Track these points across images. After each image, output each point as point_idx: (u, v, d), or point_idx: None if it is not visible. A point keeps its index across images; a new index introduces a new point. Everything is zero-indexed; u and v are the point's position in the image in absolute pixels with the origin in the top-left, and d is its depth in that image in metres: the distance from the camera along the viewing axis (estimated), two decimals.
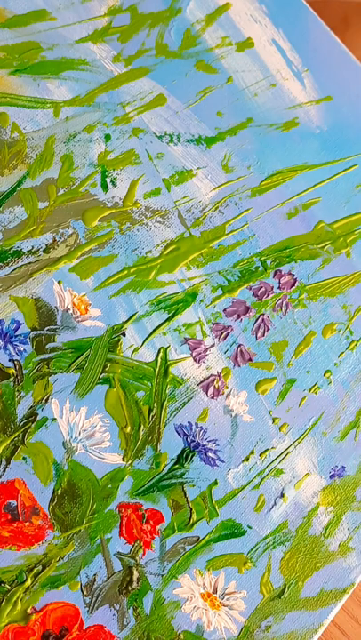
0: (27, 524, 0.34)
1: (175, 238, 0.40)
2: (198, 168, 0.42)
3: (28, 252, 0.38)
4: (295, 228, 0.42)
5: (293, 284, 0.41)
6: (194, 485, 0.37)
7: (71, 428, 0.36)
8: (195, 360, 0.38)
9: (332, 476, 0.39)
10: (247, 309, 0.40)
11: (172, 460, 0.37)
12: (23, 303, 0.37)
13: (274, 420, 0.39)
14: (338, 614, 0.41)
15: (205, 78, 0.43)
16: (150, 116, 0.42)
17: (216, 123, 0.43)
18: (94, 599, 0.34)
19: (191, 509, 0.36)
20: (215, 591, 0.36)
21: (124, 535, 0.35)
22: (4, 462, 0.35)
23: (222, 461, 0.37)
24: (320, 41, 0.46)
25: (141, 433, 0.37)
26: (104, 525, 0.35)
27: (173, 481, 0.36)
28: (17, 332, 0.36)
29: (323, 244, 0.42)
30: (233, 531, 0.37)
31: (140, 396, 0.37)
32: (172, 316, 0.39)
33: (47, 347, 0.37)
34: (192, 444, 0.37)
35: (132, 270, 0.39)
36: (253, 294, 0.40)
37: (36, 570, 0.34)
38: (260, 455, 0.38)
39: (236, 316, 0.40)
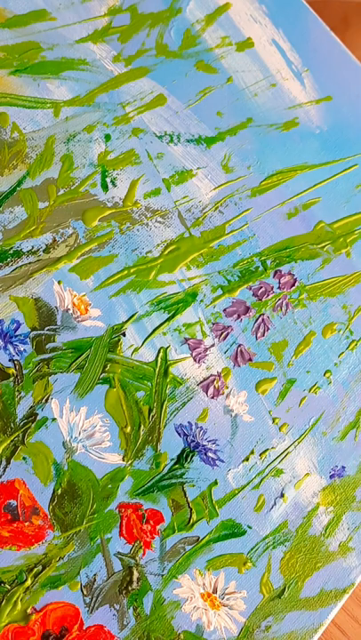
0: (27, 523, 0.34)
1: (175, 238, 0.40)
2: (198, 168, 0.42)
3: (28, 252, 0.38)
4: (295, 228, 0.42)
5: (293, 284, 0.41)
6: (194, 485, 0.37)
7: (71, 428, 0.36)
8: (195, 360, 0.38)
9: (332, 476, 0.39)
10: (247, 309, 0.40)
11: (172, 460, 0.37)
12: (23, 303, 0.37)
13: (274, 420, 0.39)
14: (338, 614, 0.41)
15: (205, 78, 0.43)
16: (150, 116, 0.42)
17: (216, 123, 0.43)
18: (94, 599, 0.34)
19: (191, 509, 0.36)
20: (215, 591, 0.36)
21: (124, 535, 0.35)
22: (4, 462, 0.35)
23: (222, 461, 0.37)
24: (320, 41, 0.46)
25: (141, 433, 0.37)
26: (104, 525, 0.35)
27: (173, 481, 0.36)
28: (17, 332, 0.36)
29: (323, 244, 0.42)
30: (233, 531, 0.37)
31: (140, 395, 0.37)
32: (172, 316, 0.39)
33: (47, 347, 0.37)
34: (192, 444, 0.37)
35: (132, 270, 0.39)
36: (253, 294, 0.40)
37: (36, 570, 0.34)
38: (260, 455, 0.38)
39: (236, 315, 0.40)
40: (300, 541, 0.37)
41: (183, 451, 0.37)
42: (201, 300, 0.40)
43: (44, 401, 0.36)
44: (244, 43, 0.45)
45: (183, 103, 0.43)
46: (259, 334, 0.40)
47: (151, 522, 0.36)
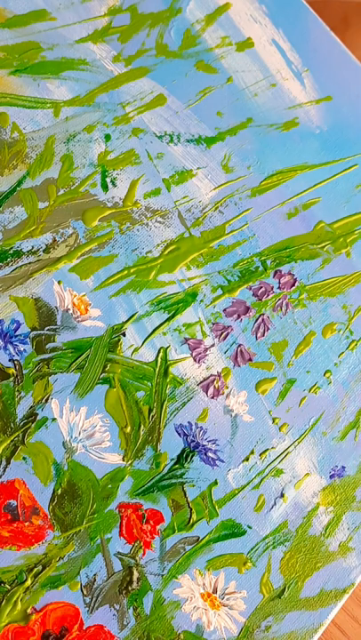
0: (27, 523, 0.34)
1: (175, 238, 0.40)
2: (198, 168, 0.42)
3: (28, 252, 0.38)
4: (295, 228, 0.42)
5: (293, 284, 0.41)
6: (194, 485, 0.37)
7: (71, 428, 0.36)
8: (195, 360, 0.38)
9: (332, 476, 0.39)
10: (247, 309, 0.40)
11: (172, 460, 0.37)
12: (23, 303, 0.37)
13: (274, 420, 0.39)
14: (338, 614, 0.41)
15: (205, 78, 0.43)
16: (150, 116, 0.42)
17: (216, 123, 0.43)
18: (94, 599, 0.34)
19: (191, 509, 0.36)
20: (215, 591, 0.36)
21: (124, 535, 0.35)
22: (4, 462, 0.35)
23: (222, 461, 0.37)
24: (320, 41, 0.46)
25: (141, 433, 0.37)
26: (104, 525, 0.35)
27: (173, 481, 0.36)
28: (17, 332, 0.36)
29: (323, 244, 0.42)
30: (233, 531, 0.37)
31: (140, 395, 0.37)
32: (172, 316, 0.39)
33: (47, 347, 0.37)
34: (192, 444, 0.37)
35: (132, 270, 0.39)
36: (253, 294, 0.40)
37: (36, 570, 0.34)
38: (260, 455, 0.38)
39: (236, 316, 0.40)
40: (300, 541, 0.37)
41: (183, 451, 0.37)
42: (201, 300, 0.40)
43: (44, 401, 0.36)
44: (244, 43, 0.45)
45: (183, 103, 0.43)
46: (259, 334, 0.40)
47: (151, 522, 0.36)
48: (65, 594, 0.34)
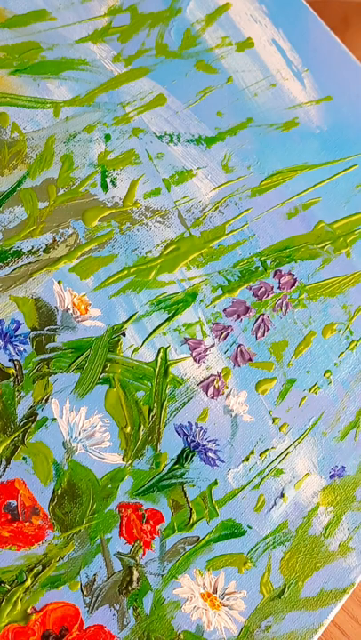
0: (27, 523, 0.34)
1: (175, 238, 0.40)
2: (198, 168, 0.42)
3: (28, 252, 0.38)
4: (295, 228, 0.42)
5: (293, 284, 0.41)
6: (194, 485, 0.37)
7: (71, 428, 0.36)
8: (195, 360, 0.38)
9: (332, 476, 0.39)
10: (247, 309, 0.40)
11: (172, 460, 0.37)
12: (23, 303, 0.37)
13: (274, 420, 0.39)
14: (338, 614, 0.41)
15: (205, 78, 0.43)
16: (150, 116, 0.42)
17: (216, 123, 0.43)
18: (94, 599, 0.34)
19: (191, 509, 0.36)
20: (215, 591, 0.36)
21: (124, 535, 0.35)
22: (4, 462, 0.35)
23: (222, 461, 0.37)
24: (320, 41, 0.46)
25: (141, 433, 0.37)
26: (104, 525, 0.35)
27: (173, 481, 0.36)
28: (17, 332, 0.36)
29: (323, 244, 0.42)
30: (233, 531, 0.37)
31: (140, 395, 0.37)
32: (172, 316, 0.39)
33: (47, 347, 0.37)
34: (192, 444, 0.37)
35: (132, 270, 0.39)
36: (253, 294, 0.40)
37: (36, 570, 0.34)
38: (260, 455, 0.38)
39: (236, 315, 0.40)
40: (300, 541, 0.37)
41: (183, 451, 0.37)
42: (201, 300, 0.40)
43: (44, 401, 0.36)
44: (244, 43, 0.45)
45: (183, 103, 0.43)
46: (259, 334, 0.40)
47: (151, 522, 0.36)
48: (65, 594, 0.34)
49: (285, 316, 0.41)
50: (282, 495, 0.38)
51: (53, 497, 0.35)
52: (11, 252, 0.38)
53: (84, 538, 0.35)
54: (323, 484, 0.38)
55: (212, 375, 0.38)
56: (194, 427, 0.37)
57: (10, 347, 0.36)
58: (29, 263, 0.38)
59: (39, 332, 0.37)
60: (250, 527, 0.37)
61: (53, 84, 0.41)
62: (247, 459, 0.38)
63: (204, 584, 0.36)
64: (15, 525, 0.34)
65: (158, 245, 0.40)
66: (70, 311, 0.37)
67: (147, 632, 0.34)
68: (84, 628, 0.34)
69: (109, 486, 0.36)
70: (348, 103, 0.45)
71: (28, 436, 0.35)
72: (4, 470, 0.35)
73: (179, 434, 0.37)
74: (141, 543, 0.35)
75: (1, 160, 0.39)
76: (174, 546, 0.36)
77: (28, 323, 0.37)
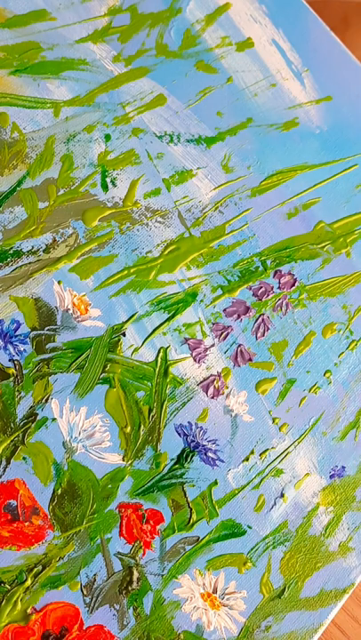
0: (27, 523, 0.34)
1: (175, 238, 0.40)
2: (198, 168, 0.42)
3: (28, 252, 0.38)
4: (295, 228, 0.42)
5: (293, 284, 0.41)
6: (194, 485, 0.37)
7: (71, 428, 0.36)
8: (195, 360, 0.38)
9: (332, 476, 0.39)
10: (247, 309, 0.40)
11: (172, 460, 0.37)
12: (23, 303, 0.37)
13: (274, 420, 0.39)
14: (338, 614, 0.41)
15: (205, 78, 0.43)
16: (150, 116, 0.42)
17: (216, 123, 0.43)
18: (94, 599, 0.34)
19: (191, 509, 0.36)
20: (215, 591, 0.36)
21: (124, 535, 0.35)
22: (4, 462, 0.35)
23: (222, 461, 0.37)
24: (320, 41, 0.46)
25: (141, 433, 0.37)
26: (104, 525, 0.35)
27: (173, 481, 0.36)
28: (17, 332, 0.36)
29: (323, 244, 0.42)
30: (233, 531, 0.37)
31: (140, 395, 0.37)
32: (172, 316, 0.39)
33: (47, 347, 0.37)
34: (192, 444, 0.37)
35: (132, 270, 0.39)
36: (253, 294, 0.40)
37: (36, 570, 0.34)
38: (260, 455, 0.38)
39: (236, 315, 0.40)
40: (300, 541, 0.37)
41: (183, 451, 0.37)
42: (201, 300, 0.40)
43: (44, 401, 0.36)
44: (244, 43, 0.45)
45: (183, 103, 0.43)
46: (259, 334, 0.40)
47: (151, 522, 0.36)
48: (65, 594, 0.34)
49: (285, 315, 0.41)
50: (282, 495, 0.38)
51: (53, 497, 0.35)
52: (11, 252, 0.38)
53: (84, 538, 0.35)
54: (323, 483, 0.38)
55: (212, 375, 0.38)
56: (194, 427, 0.37)
57: (10, 347, 0.36)
58: (29, 263, 0.38)
59: (39, 332, 0.37)
60: (250, 527, 0.37)
61: (53, 83, 0.41)
62: (247, 459, 0.38)
63: (204, 584, 0.36)
64: (15, 525, 0.34)
65: (158, 245, 0.40)
66: (70, 311, 0.37)
67: (147, 632, 0.34)
68: (84, 628, 0.34)
69: (109, 486, 0.36)
70: (348, 103, 0.45)
71: (28, 436, 0.35)
72: (4, 470, 0.35)
73: (179, 434, 0.37)
74: (141, 543, 0.35)
75: (1, 160, 0.39)
76: (174, 546, 0.36)
77: (28, 323, 0.37)
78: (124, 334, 0.38)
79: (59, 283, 0.38)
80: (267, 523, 0.37)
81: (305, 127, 0.44)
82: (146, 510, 0.36)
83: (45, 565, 0.34)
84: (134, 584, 0.35)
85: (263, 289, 0.41)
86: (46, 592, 0.34)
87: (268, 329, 0.40)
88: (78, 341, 0.37)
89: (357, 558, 0.38)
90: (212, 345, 0.39)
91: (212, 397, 0.38)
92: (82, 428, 0.36)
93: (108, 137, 0.41)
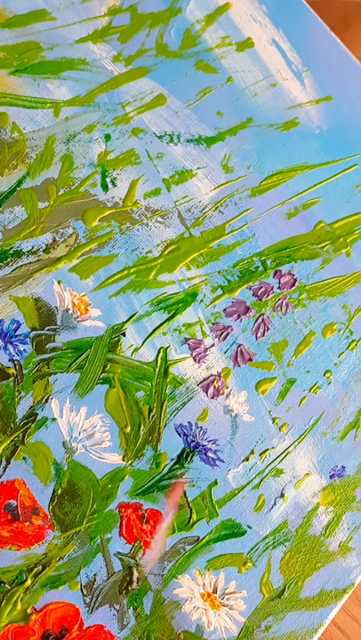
0: (27, 523, 0.34)
1: (175, 238, 0.40)
2: (198, 168, 0.42)
3: (28, 252, 0.38)
4: (295, 228, 0.42)
5: (293, 284, 0.41)
6: (194, 485, 0.37)
7: (71, 428, 0.36)
8: (195, 360, 0.38)
9: (332, 476, 0.39)
10: (247, 309, 0.40)
11: (172, 460, 0.37)
12: (23, 303, 0.37)
13: (274, 420, 0.39)
14: (338, 614, 0.41)
15: (205, 78, 0.43)
16: (150, 116, 0.42)
17: (216, 123, 0.43)
18: (94, 599, 0.34)
19: (191, 509, 0.36)
20: (215, 591, 0.36)
21: (124, 535, 0.35)
22: (4, 462, 0.35)
23: (222, 461, 0.37)
24: (320, 41, 0.46)
25: (141, 433, 0.37)
26: (104, 525, 0.35)
27: (173, 481, 0.36)
28: (17, 332, 0.36)
29: (323, 244, 0.42)
30: (233, 531, 0.37)
31: (140, 395, 0.37)
32: (172, 316, 0.39)
33: (47, 347, 0.37)
34: (192, 444, 0.37)
35: (132, 270, 0.39)
36: (253, 294, 0.40)
37: (36, 570, 0.34)
38: (260, 455, 0.38)
39: (236, 315, 0.40)
40: (300, 541, 0.37)
41: (183, 451, 0.37)
42: (201, 300, 0.40)
43: (44, 401, 0.36)
44: (244, 43, 0.45)
45: (183, 103, 0.43)
46: (259, 334, 0.40)
47: (151, 522, 0.36)
48: (65, 594, 0.34)
49: (285, 315, 0.41)
50: (282, 495, 0.38)
51: (53, 497, 0.35)
52: (11, 252, 0.38)
53: (84, 538, 0.35)
54: (323, 484, 0.38)
55: (212, 375, 0.38)
56: (194, 427, 0.37)
57: (10, 347, 0.36)
58: (29, 263, 0.38)
59: (39, 332, 0.37)
60: (250, 527, 0.37)
61: (53, 84, 0.41)
62: (247, 459, 0.38)
63: (204, 584, 0.36)
64: (15, 525, 0.34)
65: (158, 245, 0.40)
66: (70, 311, 0.37)
67: (147, 632, 0.34)
68: (84, 628, 0.34)
69: (109, 486, 0.36)
70: (348, 103, 0.45)
71: (28, 436, 0.35)
72: (4, 470, 0.35)
73: (179, 434, 0.37)
74: (141, 543, 0.35)
75: (1, 160, 0.39)
76: (174, 546, 0.36)
77: (28, 323, 0.37)
78: (124, 334, 0.38)
79: (59, 283, 0.38)
80: (267, 523, 0.37)
81: (305, 127, 0.44)
82: (146, 510, 0.36)
83: (45, 565, 0.34)
84: (134, 584, 0.35)
85: (263, 289, 0.41)
86: (46, 592, 0.34)
87: (268, 329, 0.40)
88: (78, 341, 0.37)
89: (357, 558, 0.38)
90: (212, 345, 0.39)
91: (212, 397, 0.38)
92: (82, 427, 0.36)
93: (108, 137, 0.41)
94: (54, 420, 0.36)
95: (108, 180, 0.40)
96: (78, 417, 0.36)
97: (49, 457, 0.35)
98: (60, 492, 0.35)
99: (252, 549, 0.37)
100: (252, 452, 0.38)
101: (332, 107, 0.45)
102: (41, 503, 0.35)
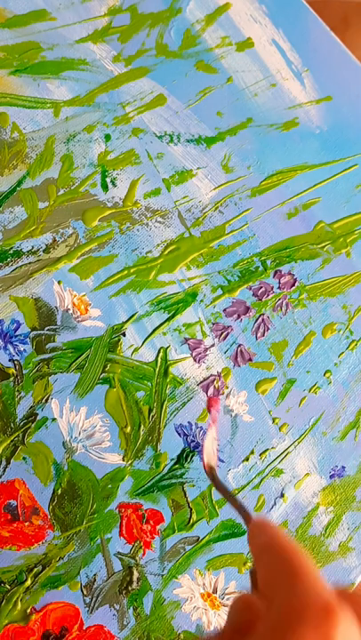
0: (27, 523, 0.34)
1: (175, 238, 0.40)
2: (198, 168, 0.42)
3: (28, 252, 0.38)
4: (295, 228, 0.42)
5: (293, 284, 0.41)
6: (194, 485, 0.37)
7: (71, 427, 0.36)
8: (195, 360, 0.38)
9: (332, 476, 0.39)
10: (247, 309, 0.40)
11: (172, 459, 0.37)
12: (23, 303, 0.37)
13: (274, 420, 0.39)
14: None
15: (205, 78, 0.43)
16: (150, 116, 0.42)
17: (216, 123, 0.43)
18: (94, 599, 0.34)
19: (191, 509, 0.36)
20: (215, 591, 0.36)
21: (124, 535, 0.35)
22: (4, 462, 0.35)
23: (222, 461, 0.37)
24: (320, 41, 0.46)
25: (141, 433, 0.37)
26: (104, 525, 0.35)
27: (173, 481, 0.36)
28: (17, 332, 0.36)
29: (323, 244, 0.42)
30: (233, 531, 0.37)
31: (140, 395, 0.37)
32: (172, 316, 0.39)
33: (47, 347, 0.37)
34: (192, 444, 0.37)
35: (132, 270, 0.39)
36: (253, 294, 0.40)
37: (36, 570, 0.34)
38: (260, 455, 0.38)
39: (236, 315, 0.40)
40: (301, 541, 0.37)
41: (183, 451, 0.37)
42: (201, 300, 0.40)
43: (44, 401, 0.36)
44: (244, 43, 0.45)
45: (183, 103, 0.43)
46: (259, 334, 0.40)
47: (151, 522, 0.36)
48: (65, 594, 0.34)
49: (285, 315, 0.41)
50: (282, 495, 0.38)
51: (53, 497, 0.35)
52: (11, 252, 0.38)
53: (84, 538, 0.35)
54: (323, 484, 0.38)
55: (212, 375, 0.38)
56: (194, 427, 0.37)
57: (10, 347, 0.36)
58: (29, 263, 0.38)
59: (39, 331, 0.37)
60: None
61: (53, 83, 0.41)
62: (247, 459, 0.38)
63: (204, 584, 0.36)
64: (15, 525, 0.34)
65: (158, 245, 0.40)
66: (70, 311, 0.37)
67: (147, 632, 0.34)
68: (84, 628, 0.34)
69: (109, 486, 0.36)
70: (348, 103, 0.45)
71: (28, 436, 0.35)
72: (4, 470, 0.34)
73: (179, 434, 0.37)
74: (141, 543, 0.35)
75: (1, 160, 0.39)
76: (174, 546, 0.36)
77: (28, 323, 0.37)
78: (124, 334, 0.38)
79: (59, 283, 0.38)
80: None
81: (305, 127, 0.44)
82: (146, 510, 0.36)
83: (45, 565, 0.34)
84: (134, 584, 0.35)
85: (263, 289, 0.41)
86: (46, 592, 0.34)
87: (268, 329, 0.40)
88: (78, 341, 0.37)
89: (357, 558, 0.38)
90: (212, 345, 0.39)
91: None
92: (82, 427, 0.36)
93: (108, 137, 0.41)
94: (54, 419, 0.36)
95: (108, 179, 0.40)
96: (78, 417, 0.36)
97: (49, 457, 0.35)
98: (60, 491, 0.35)
99: None
100: (252, 452, 0.38)
101: (332, 107, 0.45)
102: (41, 503, 0.35)
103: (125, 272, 0.39)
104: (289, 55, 0.45)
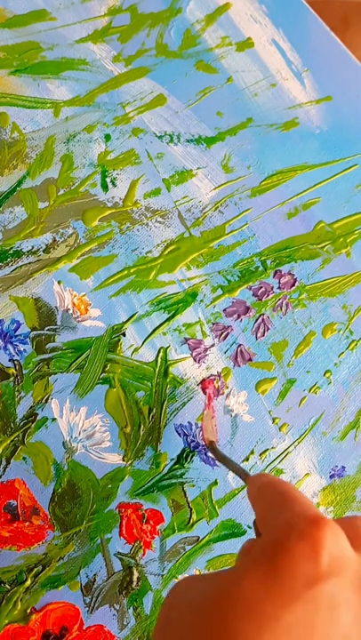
0: (27, 524, 0.34)
1: (175, 238, 0.40)
2: (198, 168, 0.42)
3: (28, 252, 0.38)
4: (295, 228, 0.42)
5: (293, 284, 0.41)
6: (194, 485, 0.37)
7: (71, 428, 0.36)
8: (195, 360, 0.38)
9: (332, 476, 0.39)
10: (247, 309, 0.40)
11: (172, 460, 0.37)
12: (23, 303, 0.37)
13: (274, 420, 0.39)
14: None
15: (205, 78, 0.43)
16: (150, 116, 0.42)
17: (216, 123, 0.43)
18: (94, 599, 0.34)
19: (191, 509, 0.36)
20: None
21: (124, 535, 0.35)
22: (4, 462, 0.35)
23: None
24: (320, 41, 0.46)
25: (141, 433, 0.37)
26: (104, 525, 0.35)
27: (173, 481, 0.36)
28: (17, 332, 0.36)
29: (323, 244, 0.42)
30: (233, 531, 0.37)
31: (140, 395, 0.37)
32: (172, 316, 0.39)
33: (47, 347, 0.37)
34: (192, 444, 0.37)
35: (132, 270, 0.39)
36: (253, 294, 0.40)
37: (36, 570, 0.34)
38: (260, 455, 0.38)
39: (236, 315, 0.40)
40: None
41: (183, 451, 0.37)
42: (201, 300, 0.40)
43: (44, 401, 0.36)
44: (244, 43, 0.45)
45: (183, 103, 0.43)
46: (259, 334, 0.40)
47: (151, 522, 0.36)
48: (65, 594, 0.34)
49: (285, 316, 0.41)
50: None
51: (53, 497, 0.35)
52: (11, 252, 0.38)
53: (84, 538, 0.35)
54: (323, 483, 0.38)
55: (212, 375, 0.38)
56: (194, 427, 0.37)
57: (10, 347, 0.36)
58: (29, 263, 0.38)
59: (39, 332, 0.37)
60: (250, 527, 0.37)
61: (53, 83, 0.41)
62: (247, 459, 0.38)
63: None
64: (15, 525, 0.34)
65: (158, 245, 0.40)
66: (70, 311, 0.37)
67: (147, 632, 0.34)
68: (84, 628, 0.34)
69: (109, 486, 0.36)
70: (348, 103, 0.45)
71: (28, 436, 0.35)
72: (4, 470, 0.34)
73: (179, 434, 0.37)
74: (141, 543, 0.35)
75: (1, 160, 0.39)
76: (174, 546, 0.36)
77: (28, 323, 0.37)
78: (124, 334, 0.38)
79: (59, 283, 0.38)
80: None
81: (305, 127, 0.44)
82: (146, 510, 0.36)
83: (45, 565, 0.34)
84: (134, 584, 0.35)
85: (263, 289, 0.41)
86: (46, 592, 0.34)
87: (268, 329, 0.40)
88: (78, 341, 0.37)
89: None
90: (212, 345, 0.39)
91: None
92: (82, 428, 0.36)
93: (108, 137, 0.41)
94: (54, 420, 0.36)
95: (108, 179, 0.40)
96: (78, 417, 0.36)
97: (49, 457, 0.35)
98: (60, 491, 0.35)
99: None
100: (252, 452, 0.38)
101: (332, 107, 0.45)
102: (41, 503, 0.35)
103: (125, 272, 0.39)
104: (289, 55, 0.45)
